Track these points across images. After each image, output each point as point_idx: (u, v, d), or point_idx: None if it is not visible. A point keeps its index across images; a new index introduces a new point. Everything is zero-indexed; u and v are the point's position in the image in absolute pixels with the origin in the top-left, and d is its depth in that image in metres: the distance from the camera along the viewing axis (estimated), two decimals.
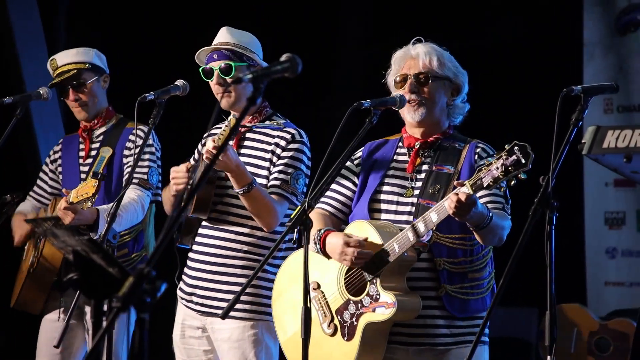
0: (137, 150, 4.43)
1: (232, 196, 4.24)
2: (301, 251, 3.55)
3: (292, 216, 3.61)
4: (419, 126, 3.87)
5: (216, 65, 4.27)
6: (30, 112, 6.66)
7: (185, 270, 4.36)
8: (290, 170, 4.22)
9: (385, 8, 7.46)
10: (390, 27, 7.30)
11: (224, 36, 4.32)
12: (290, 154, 4.24)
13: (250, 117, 4.32)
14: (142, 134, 4.72)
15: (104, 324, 2.65)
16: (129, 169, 4.78)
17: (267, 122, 4.30)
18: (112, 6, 7.45)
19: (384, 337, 3.75)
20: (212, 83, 4.29)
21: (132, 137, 4.85)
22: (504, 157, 3.35)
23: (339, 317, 3.78)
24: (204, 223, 4.31)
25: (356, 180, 3.95)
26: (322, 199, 3.98)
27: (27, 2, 6.98)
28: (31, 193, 5.13)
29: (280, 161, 4.23)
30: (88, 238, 2.73)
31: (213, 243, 4.28)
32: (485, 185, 3.39)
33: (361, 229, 3.79)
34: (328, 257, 3.83)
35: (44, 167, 5.15)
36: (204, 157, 4.04)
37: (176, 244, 4.36)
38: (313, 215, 3.91)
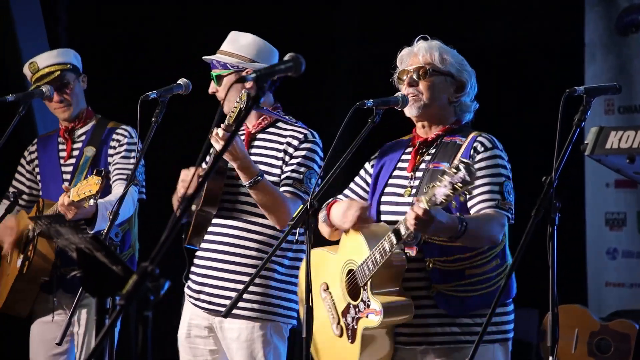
0: (140, 150, 4.41)
1: (243, 193, 4.22)
2: (317, 250, 3.55)
3: (294, 215, 3.62)
4: (419, 120, 3.87)
5: (213, 73, 4.36)
6: (33, 110, 6.66)
7: (193, 268, 4.35)
8: (302, 169, 4.22)
9: (383, 7, 7.46)
10: (388, 26, 7.31)
11: (224, 43, 4.37)
12: (303, 153, 4.24)
13: (261, 118, 4.32)
14: (129, 134, 4.82)
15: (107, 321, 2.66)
16: (117, 169, 4.80)
17: (285, 117, 4.30)
18: (113, 4, 7.45)
19: (386, 340, 3.75)
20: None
21: (115, 137, 4.90)
22: (452, 173, 3.36)
23: (344, 319, 3.79)
24: (214, 220, 4.29)
25: (369, 179, 3.96)
26: (339, 197, 3.99)
27: (29, 2, 6.98)
28: (8, 194, 5.11)
29: (293, 160, 4.23)
30: (92, 236, 2.74)
31: (222, 240, 4.27)
32: (438, 202, 3.39)
33: (353, 237, 3.80)
34: (332, 227, 3.86)
35: (20, 169, 5.13)
36: (212, 140, 4.03)
37: (184, 244, 4.35)
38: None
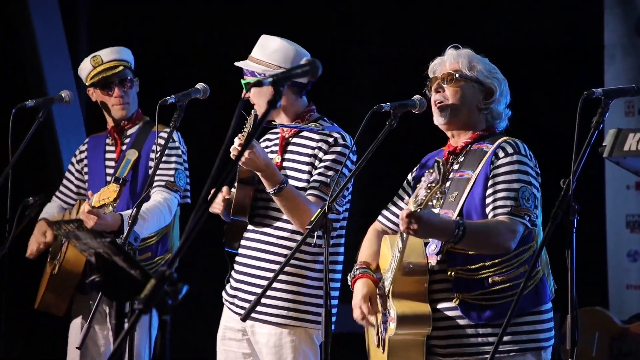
0: (159, 152, 4.42)
1: (274, 200, 4.18)
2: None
3: (312, 219, 3.61)
4: (449, 129, 3.81)
5: (243, 81, 4.34)
6: (52, 115, 6.69)
7: (232, 273, 4.36)
8: (330, 173, 4.16)
9: (383, 7, 7.46)
10: (389, 27, 7.31)
11: (254, 49, 4.32)
12: (332, 156, 4.19)
13: (294, 122, 4.29)
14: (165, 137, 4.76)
15: (126, 326, 2.67)
16: (156, 174, 4.79)
17: (312, 125, 4.26)
18: (132, 12, 7.49)
19: (416, 351, 3.68)
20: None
21: (158, 140, 4.87)
22: (429, 174, 3.37)
23: (381, 328, 3.77)
24: (249, 227, 4.30)
25: (411, 192, 3.91)
26: (383, 212, 3.97)
27: (49, 7, 7.02)
28: (57, 193, 5.13)
29: (322, 164, 4.18)
30: (110, 240, 2.75)
31: (255, 246, 4.27)
32: (419, 203, 3.38)
33: (385, 244, 3.81)
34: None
35: (70, 167, 5.14)
36: (231, 155, 4.02)
37: (224, 247, 4.36)
38: (370, 231, 3.95)
